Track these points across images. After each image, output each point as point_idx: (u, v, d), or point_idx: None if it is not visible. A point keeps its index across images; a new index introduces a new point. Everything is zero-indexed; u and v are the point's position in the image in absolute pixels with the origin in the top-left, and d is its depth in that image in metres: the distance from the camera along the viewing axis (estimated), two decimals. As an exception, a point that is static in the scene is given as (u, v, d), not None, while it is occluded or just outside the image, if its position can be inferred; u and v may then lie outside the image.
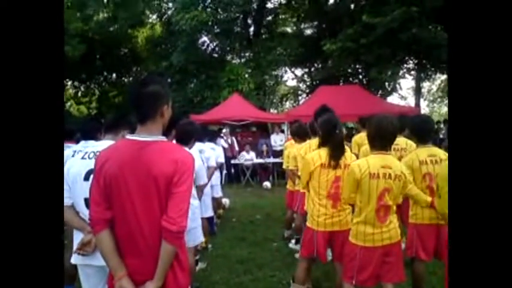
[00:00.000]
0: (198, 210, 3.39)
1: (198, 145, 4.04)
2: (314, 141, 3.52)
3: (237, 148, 10.90)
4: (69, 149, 2.52)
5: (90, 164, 2.04)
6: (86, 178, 2.18)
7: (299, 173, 3.58)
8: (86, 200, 2.15)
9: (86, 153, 2.35)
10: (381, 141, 2.58)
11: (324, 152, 2.94)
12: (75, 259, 2.28)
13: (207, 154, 4.95)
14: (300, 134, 4.61)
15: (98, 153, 1.76)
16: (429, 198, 2.98)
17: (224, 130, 11.23)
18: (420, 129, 3.19)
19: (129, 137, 1.68)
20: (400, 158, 3.52)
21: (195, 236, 3.33)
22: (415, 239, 3.07)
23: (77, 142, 2.58)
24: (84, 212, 2.18)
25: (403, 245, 2.96)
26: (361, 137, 4.92)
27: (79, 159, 2.32)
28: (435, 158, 3.03)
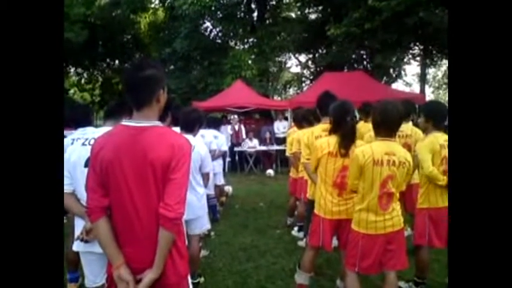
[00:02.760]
0: (205, 198, 3.39)
1: (200, 131, 4.01)
2: (317, 128, 3.47)
3: (244, 136, 10.87)
4: (68, 137, 2.50)
5: (90, 151, 2.02)
6: (87, 165, 2.16)
7: (302, 160, 3.55)
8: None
9: (87, 139, 2.33)
10: (386, 128, 2.53)
11: (333, 140, 2.88)
12: (77, 246, 2.28)
13: (207, 139, 4.94)
14: (302, 120, 4.59)
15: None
16: (446, 178, 2.96)
17: (233, 117, 11.19)
18: (438, 114, 3.15)
19: (125, 123, 1.64)
20: (404, 145, 3.48)
21: (201, 224, 3.35)
22: (428, 225, 3.04)
23: (76, 129, 2.55)
24: (85, 199, 2.17)
25: (406, 233, 2.94)
26: (364, 126, 4.86)
27: (79, 146, 2.31)
28: None
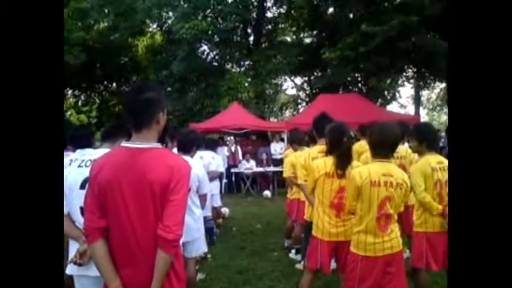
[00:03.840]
0: (201, 220, 3.36)
1: (198, 152, 4.02)
2: (314, 150, 3.49)
3: (240, 157, 10.89)
4: (66, 158, 2.49)
5: (87, 172, 2.01)
6: (82, 186, 2.15)
7: (298, 181, 3.55)
8: (81, 208, 2.11)
9: (83, 161, 2.32)
10: (383, 149, 2.55)
11: (329, 161, 2.90)
12: (70, 270, 2.23)
13: (206, 161, 4.95)
14: (296, 141, 4.63)
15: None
16: (440, 207, 2.93)
17: (229, 138, 11.23)
18: (430, 136, 3.16)
19: (124, 144, 1.65)
20: (399, 166, 3.49)
21: (198, 246, 3.30)
22: (426, 249, 2.99)
23: (74, 150, 2.55)
24: (80, 221, 2.14)
25: (405, 255, 2.91)
26: (361, 145, 4.89)
27: (75, 168, 2.30)
28: (443, 165, 3.00)
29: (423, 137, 3.16)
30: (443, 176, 2.97)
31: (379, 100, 18.30)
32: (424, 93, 26.48)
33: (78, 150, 2.49)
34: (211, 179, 4.79)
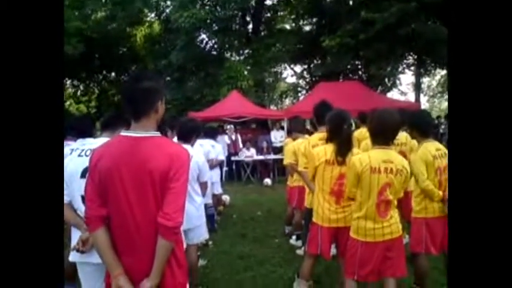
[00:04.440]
0: (202, 207, 3.39)
1: (197, 141, 4.03)
2: (314, 137, 3.49)
3: (240, 145, 10.92)
4: (67, 147, 2.51)
5: (87, 162, 2.02)
6: (83, 175, 2.16)
7: (299, 168, 3.57)
8: (82, 197, 2.13)
9: (83, 150, 2.34)
10: (383, 136, 2.56)
11: (329, 148, 2.90)
12: (73, 257, 2.27)
13: (205, 149, 4.97)
14: (296, 129, 4.65)
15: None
16: (441, 193, 2.95)
17: (228, 127, 11.24)
18: (423, 124, 3.16)
19: (123, 133, 1.65)
20: (399, 153, 3.50)
21: (200, 233, 3.34)
22: (425, 234, 3.02)
23: (75, 140, 2.56)
24: (82, 209, 2.16)
25: (404, 240, 2.94)
26: (361, 133, 4.90)
27: (76, 157, 2.31)
28: (441, 152, 3.01)
29: (414, 125, 3.18)
30: (443, 162, 2.98)
31: (380, 87, 18.23)
32: (425, 80, 26.40)
33: (79, 140, 2.51)
34: (211, 167, 4.82)
